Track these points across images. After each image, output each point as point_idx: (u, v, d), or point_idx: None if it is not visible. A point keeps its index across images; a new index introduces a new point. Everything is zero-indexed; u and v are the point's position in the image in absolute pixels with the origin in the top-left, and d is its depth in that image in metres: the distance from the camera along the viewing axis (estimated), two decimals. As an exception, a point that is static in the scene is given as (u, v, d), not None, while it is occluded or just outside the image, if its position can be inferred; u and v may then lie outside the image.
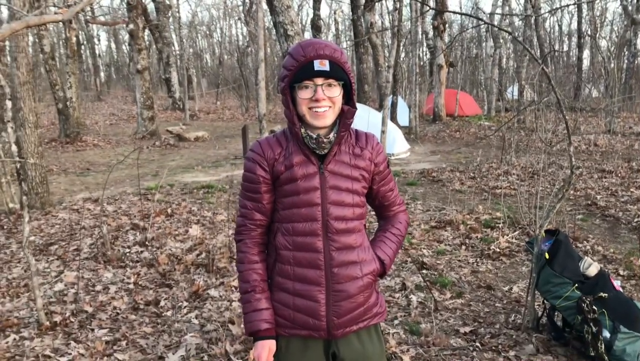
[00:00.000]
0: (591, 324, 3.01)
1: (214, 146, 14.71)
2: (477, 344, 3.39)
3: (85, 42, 37.87)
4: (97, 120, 20.99)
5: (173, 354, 3.30)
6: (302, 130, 1.64)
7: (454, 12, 3.75)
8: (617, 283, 3.51)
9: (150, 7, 25.48)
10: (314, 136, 1.64)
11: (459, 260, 5.06)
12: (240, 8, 32.93)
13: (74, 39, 17.05)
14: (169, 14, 25.01)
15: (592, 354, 3.06)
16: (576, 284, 3.25)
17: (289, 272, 1.69)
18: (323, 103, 1.61)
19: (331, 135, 1.66)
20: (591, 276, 3.32)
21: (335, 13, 35.82)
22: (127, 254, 5.16)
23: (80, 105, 17.50)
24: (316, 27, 21.99)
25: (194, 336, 3.51)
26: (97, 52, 40.89)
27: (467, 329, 3.60)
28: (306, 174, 1.66)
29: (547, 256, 3.33)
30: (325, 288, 1.68)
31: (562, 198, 3.27)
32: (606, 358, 2.97)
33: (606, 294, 3.18)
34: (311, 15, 22.26)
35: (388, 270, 1.82)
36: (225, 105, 28.56)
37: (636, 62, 26.31)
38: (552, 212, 3.37)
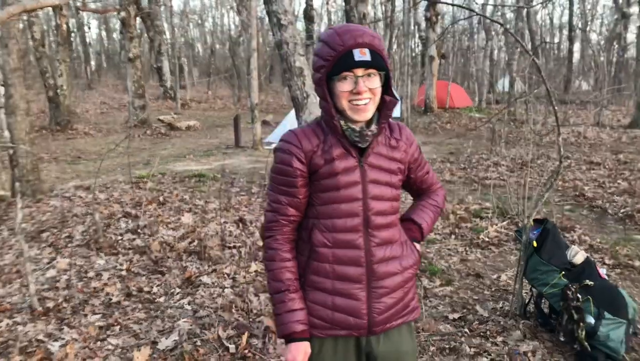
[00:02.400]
0: (573, 311, 3.08)
1: (205, 135, 14.69)
2: (466, 330, 3.46)
3: (75, 30, 37.50)
4: (88, 108, 20.85)
5: (166, 339, 3.34)
6: (342, 122, 1.57)
7: (446, 3, 3.79)
8: (602, 271, 3.59)
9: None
10: (357, 128, 1.57)
11: (449, 249, 5.13)
12: (233, -3, 32.72)
13: (65, 26, 16.89)
14: (161, 2, 24.80)
15: (562, 339, 3.15)
16: (563, 272, 3.32)
17: (327, 270, 1.62)
18: (364, 95, 1.52)
19: (373, 127, 1.59)
20: (578, 264, 3.39)
21: (328, 3, 35.72)
22: (120, 241, 5.18)
23: (71, 93, 17.37)
24: (309, 17, 21.94)
25: (186, 322, 3.55)
26: (87, 40, 40.51)
27: (456, 315, 3.67)
28: (346, 168, 1.58)
29: (535, 244, 3.40)
30: (366, 286, 1.63)
31: (550, 187, 3.33)
32: (586, 343, 3.04)
33: (592, 282, 3.25)
34: (304, 5, 22.17)
35: (425, 235, 1.81)
36: (217, 94, 28.46)
37: (626, 55, 26.51)
38: (541, 201, 3.44)
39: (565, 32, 34.95)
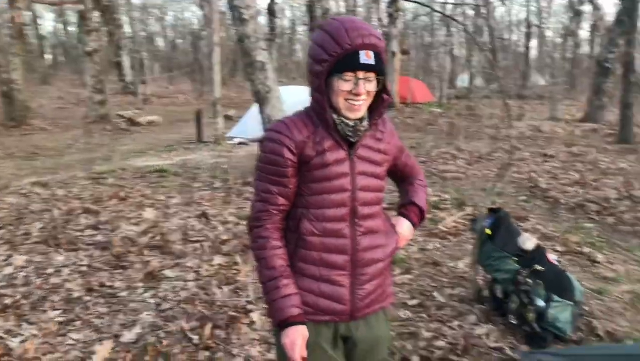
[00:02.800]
0: (522, 295, 3.24)
1: (167, 130, 14.52)
2: (424, 315, 3.58)
3: (30, 23, 36.30)
4: (44, 103, 20.27)
5: (129, 332, 3.35)
6: (335, 117, 1.60)
7: (408, 0, 3.88)
8: (553, 257, 3.78)
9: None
10: (351, 123, 1.60)
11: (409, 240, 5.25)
12: (194, -10, 32.30)
13: (19, 19, 16.35)
14: (119, -5, 24.29)
15: (513, 322, 3.32)
16: (515, 258, 3.48)
17: (314, 258, 1.66)
18: (361, 97, 1.56)
19: (365, 123, 1.64)
20: (529, 250, 3.55)
21: (290, -2, 35.64)
22: (80, 237, 5.11)
23: (26, 88, 16.86)
24: (272, 12, 21.86)
25: (149, 315, 3.56)
26: (42, 33, 39.30)
27: (415, 302, 3.80)
28: (337, 159, 1.62)
29: (488, 232, 3.55)
30: (350, 273, 1.68)
31: (502, 178, 3.48)
32: (535, 325, 3.20)
33: (542, 267, 3.43)
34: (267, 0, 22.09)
35: (425, 216, 1.92)
36: (178, 89, 28.06)
37: (579, 51, 27.43)
38: (494, 191, 3.58)
39: (524, 28, 35.91)
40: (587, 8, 25.31)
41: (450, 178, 7.41)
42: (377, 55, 1.53)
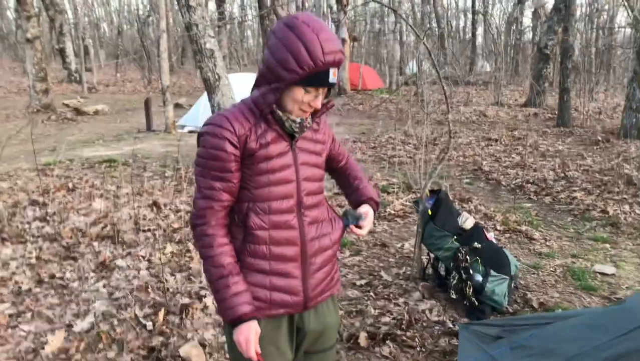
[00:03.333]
0: (462, 271, 3.46)
1: (115, 119, 14.19)
2: (372, 294, 3.76)
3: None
4: (-18, 93, 19.39)
5: (81, 321, 3.37)
6: (281, 113, 1.59)
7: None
8: (491, 235, 4.03)
9: (38, -30, 23.66)
10: (298, 120, 1.62)
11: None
12: (139, -25, 31.38)
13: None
14: (60, -21, 23.38)
15: (454, 297, 3.55)
16: (455, 237, 3.69)
17: (264, 252, 1.64)
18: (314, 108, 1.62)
19: (309, 119, 1.66)
20: (468, 229, 3.78)
21: (239, -17, 35.15)
22: (27, 230, 5.02)
23: (-38, 76, 16.10)
24: (220, -2, 21.57)
25: (102, 304, 3.59)
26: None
27: (363, 282, 3.97)
28: (280, 152, 1.62)
29: (430, 213, 3.74)
30: (300, 264, 1.68)
31: (442, 160, 3.68)
32: (473, 299, 3.43)
33: (479, 245, 3.65)
34: (215, -15, 21.76)
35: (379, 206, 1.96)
36: (125, 77, 27.37)
37: (523, 39, 28.33)
38: (434, 173, 3.78)
39: (470, 16, 36.72)
40: (529, -4, 26.11)
41: (399, 163, 7.62)
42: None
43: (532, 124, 12.79)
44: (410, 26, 3.46)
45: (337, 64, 1.52)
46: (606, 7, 25.38)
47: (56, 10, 22.76)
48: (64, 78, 23.68)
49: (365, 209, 1.86)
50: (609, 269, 4.38)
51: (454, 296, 3.55)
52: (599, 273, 4.31)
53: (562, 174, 7.38)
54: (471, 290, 3.42)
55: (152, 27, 29.62)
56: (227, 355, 3.05)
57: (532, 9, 25.17)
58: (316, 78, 1.51)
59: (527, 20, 29.78)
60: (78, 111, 14.93)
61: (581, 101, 13.64)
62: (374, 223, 5.37)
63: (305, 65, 1.47)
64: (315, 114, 1.69)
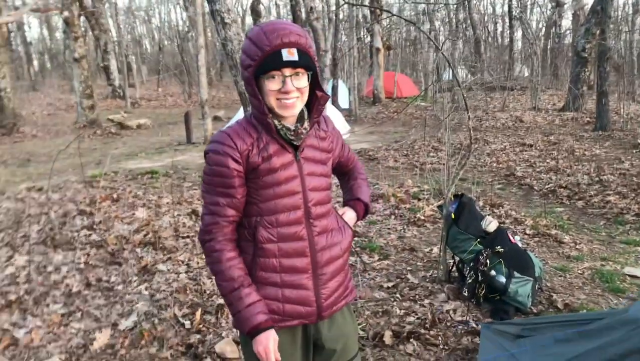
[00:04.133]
0: (478, 273, 3.57)
1: (156, 133, 14.75)
2: (398, 295, 3.89)
3: (15, 30, 36.32)
4: (34, 110, 20.42)
5: (125, 320, 3.64)
6: (276, 122, 1.60)
7: (372, 7, 4.17)
8: (517, 238, 4.11)
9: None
10: (292, 127, 1.62)
11: (388, 228, 5.57)
12: (179, -7, 32.42)
13: (4, 27, 16.51)
14: (105, 0, 24.41)
15: (465, 295, 3.70)
16: (478, 240, 3.80)
17: (274, 265, 1.65)
18: (292, 95, 1.56)
19: (306, 124, 1.65)
20: (491, 232, 3.87)
21: (275, -3, 35.83)
22: (76, 237, 5.37)
23: (15, 95, 17.03)
24: (256, 12, 22.10)
25: (144, 305, 3.85)
26: (28, 40, 39.30)
27: (390, 284, 4.11)
28: (284, 163, 1.62)
29: (453, 216, 3.86)
30: (312, 274, 1.68)
31: (463, 165, 3.80)
32: (481, 300, 3.62)
33: (502, 248, 3.74)
34: (251, 0, 22.33)
35: (370, 210, 1.98)
36: (167, 92, 28.26)
37: (562, 42, 27.81)
38: (457, 178, 3.90)
39: (507, 20, 36.27)
40: (567, -1, 25.69)
41: (431, 170, 7.71)
42: (301, 52, 1.54)
43: (570, 128, 12.62)
44: (431, 39, 3.61)
45: (289, 45, 1.52)
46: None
47: (101, 30, 23.79)
48: (108, 94, 24.68)
49: (343, 210, 1.92)
50: (639, 272, 4.37)
51: (465, 294, 3.67)
52: (629, 275, 4.31)
53: (597, 178, 7.31)
54: (483, 291, 3.53)
55: (191, 42, 30.54)
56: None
57: (572, 12, 24.72)
58: (269, 61, 1.52)
59: (567, 22, 29.28)
60: (122, 126, 15.58)
61: (621, 103, 13.36)
62: (404, 228, 5.51)
63: (254, 55, 1.53)
64: (312, 116, 1.68)
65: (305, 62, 1.55)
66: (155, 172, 8.67)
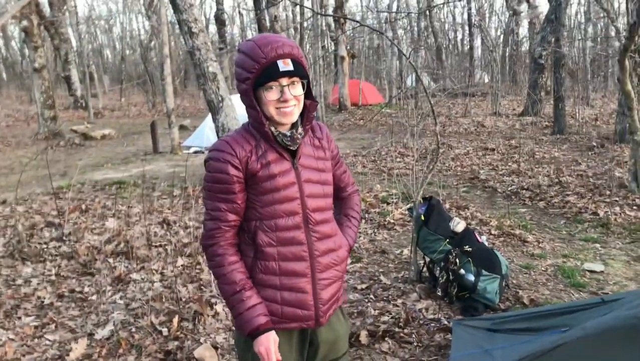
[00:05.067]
0: (449, 272, 3.71)
1: (121, 143, 14.56)
2: (372, 296, 4.00)
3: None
4: (-9, 122, 19.85)
5: (102, 330, 3.63)
6: (273, 129, 1.66)
7: (336, 16, 4.29)
8: (483, 238, 4.27)
9: (43, 0, 24.29)
10: (288, 133, 1.68)
11: (359, 232, 5.68)
12: (141, 1, 32.07)
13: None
14: (65, 9, 23.96)
15: (439, 294, 3.84)
16: (447, 240, 3.94)
17: (274, 268, 1.69)
18: (290, 103, 1.63)
19: (300, 130, 1.71)
20: (459, 232, 4.03)
21: (239, 6, 35.82)
22: (45, 249, 5.30)
23: (-28, 107, 16.56)
24: (220, 21, 22.05)
25: (120, 314, 3.85)
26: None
27: (364, 286, 4.21)
28: (282, 170, 1.67)
29: (423, 218, 4.00)
30: (311, 279, 1.73)
31: (431, 169, 3.94)
32: (454, 298, 3.76)
33: (470, 247, 3.90)
34: (215, 9, 22.24)
35: (348, 252, 1.93)
36: (130, 101, 27.88)
37: (520, 49, 28.70)
38: (425, 182, 4.04)
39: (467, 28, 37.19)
40: (524, 7, 26.52)
41: (398, 175, 7.88)
42: (295, 62, 1.62)
43: (529, 132, 13.05)
44: (397, 47, 3.75)
45: (284, 56, 1.60)
46: (601, 14, 25.73)
47: (61, 40, 23.33)
48: (70, 105, 24.18)
49: None
50: (598, 267, 4.60)
51: (439, 293, 3.81)
52: (589, 270, 4.54)
53: (557, 180, 7.62)
54: (455, 290, 3.67)
55: (154, 51, 30.21)
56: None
57: (528, 20, 25.55)
58: (266, 73, 1.59)
59: (524, 30, 30.20)
60: (86, 136, 15.32)
61: (577, 108, 13.91)
62: (374, 231, 5.63)
63: (250, 68, 1.60)
64: (303, 123, 1.74)
65: (300, 71, 1.64)
66: (123, 183, 8.59)
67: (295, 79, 1.64)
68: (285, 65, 1.60)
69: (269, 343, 1.66)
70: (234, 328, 1.89)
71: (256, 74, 1.60)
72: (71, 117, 21.09)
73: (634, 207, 6.12)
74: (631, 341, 2.07)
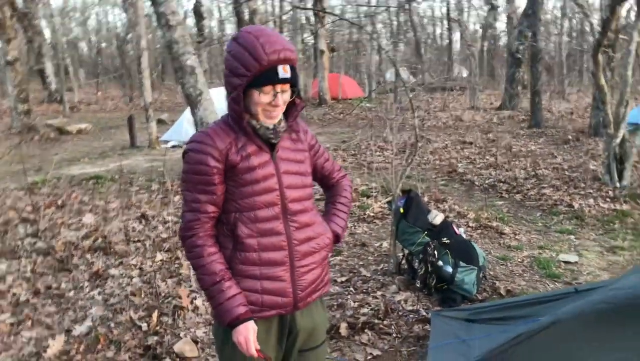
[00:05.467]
0: (428, 264, 3.76)
1: (98, 137, 14.35)
2: (351, 288, 4.03)
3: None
4: (-38, 116, 19.37)
5: (80, 326, 3.59)
6: (254, 122, 1.69)
7: (316, 10, 4.29)
8: (460, 230, 4.33)
9: (16, -8, 23.73)
10: (271, 126, 1.70)
11: (339, 225, 5.70)
12: (117, -7, 31.57)
13: None
14: (38, 0, 23.47)
15: (418, 285, 3.89)
16: (426, 232, 3.99)
17: (254, 258, 1.72)
18: (279, 108, 1.68)
19: (282, 124, 1.74)
20: (437, 224, 4.08)
21: (217, -1, 35.43)
22: (20, 245, 5.21)
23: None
24: (199, 14, 21.85)
25: (98, 310, 3.81)
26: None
27: (344, 278, 4.24)
28: (261, 162, 1.70)
29: (402, 211, 4.03)
30: (289, 267, 1.75)
31: (410, 163, 3.98)
32: (433, 290, 3.81)
33: (448, 239, 3.95)
34: (193, 2, 22.05)
35: (342, 238, 1.98)
36: (107, 95, 27.44)
37: (498, 44, 29.00)
38: (404, 175, 4.07)
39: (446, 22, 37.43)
40: (501, 2, 26.77)
41: (378, 168, 7.92)
42: (292, 68, 1.64)
43: (507, 126, 13.23)
44: (377, 41, 3.76)
45: (284, 61, 1.61)
46: (576, 9, 26.13)
47: (34, 32, 22.85)
48: (44, 98, 23.69)
49: None
50: (572, 258, 4.71)
51: (418, 285, 3.86)
52: (563, 261, 4.64)
53: (533, 173, 7.75)
54: (434, 281, 3.73)
55: (131, 44, 29.78)
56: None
57: (506, 15, 25.81)
58: (265, 77, 1.61)
59: (501, 25, 30.52)
60: (61, 131, 15.06)
61: (553, 102, 14.13)
62: (354, 225, 5.67)
63: (250, 67, 1.59)
64: (288, 120, 1.77)
65: (295, 79, 1.67)
66: (100, 178, 8.48)
67: (288, 85, 1.67)
68: (285, 72, 1.62)
69: (248, 332, 1.68)
70: (213, 320, 1.89)
71: (254, 74, 1.60)
72: (46, 111, 20.67)
73: (607, 199, 6.25)
74: (599, 325, 2.15)
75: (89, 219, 5.84)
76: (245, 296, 1.71)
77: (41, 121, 16.29)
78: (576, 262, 4.62)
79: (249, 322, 1.69)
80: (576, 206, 6.05)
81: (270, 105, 1.65)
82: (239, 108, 1.66)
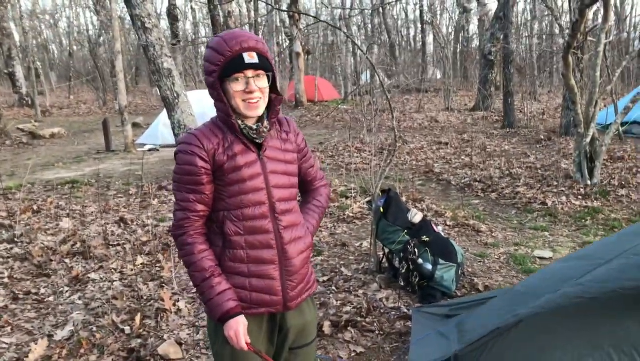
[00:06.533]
0: (409, 262, 3.83)
1: (72, 141, 14.13)
2: (333, 288, 4.08)
3: None
4: None
5: (61, 330, 3.56)
6: (239, 122, 1.72)
7: (292, 11, 4.34)
8: (439, 228, 4.42)
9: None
10: (254, 126, 1.74)
11: (320, 226, 5.75)
12: (88, -5, 31.11)
13: None
14: (7, 2, 22.98)
15: (402, 284, 3.95)
16: (405, 230, 4.06)
17: (242, 256, 1.75)
18: (255, 94, 1.69)
19: (265, 123, 1.76)
20: (417, 223, 4.15)
21: (191, 1, 35.20)
22: (-4, 252, 5.13)
23: None
24: (173, 16, 21.69)
25: (80, 314, 3.78)
26: None
27: (326, 278, 4.29)
28: (248, 162, 1.73)
29: (382, 210, 4.10)
30: (278, 265, 1.79)
31: (389, 163, 4.05)
32: (416, 287, 3.87)
33: (427, 237, 4.03)
34: (166, 4, 21.86)
35: (312, 239, 1.96)
36: (79, 99, 27.03)
37: (470, 46, 29.42)
38: (383, 175, 4.14)
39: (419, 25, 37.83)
40: (473, 5, 27.20)
41: (356, 169, 8.01)
42: (261, 55, 1.69)
43: (480, 126, 13.47)
44: (355, 43, 3.82)
45: (249, 49, 1.67)
46: (546, 12, 26.69)
47: (3, 34, 22.37)
48: (14, 102, 23.23)
49: None
50: (547, 253, 4.84)
51: (402, 284, 3.92)
52: (538, 257, 4.77)
53: (507, 172, 7.91)
54: (417, 279, 3.80)
55: (103, 46, 29.38)
56: (204, 351, 3.32)
57: (477, 17, 26.22)
58: (231, 65, 1.66)
59: (473, 27, 30.99)
60: (33, 135, 14.78)
61: (525, 102, 14.43)
62: (334, 225, 5.72)
63: (217, 61, 1.67)
64: (269, 116, 1.79)
65: (265, 65, 1.70)
66: (75, 182, 8.37)
67: (260, 71, 1.70)
68: (250, 58, 1.66)
69: (238, 326, 1.72)
70: (203, 320, 1.89)
71: (222, 66, 1.66)
72: (17, 115, 20.27)
73: (579, 196, 6.44)
74: (575, 317, 2.24)
75: (66, 224, 5.78)
76: (235, 292, 1.75)
77: (11, 125, 15.96)
78: (550, 257, 4.75)
79: (239, 316, 1.73)
80: (549, 203, 6.21)
81: (245, 92, 1.69)
82: (224, 105, 1.71)
